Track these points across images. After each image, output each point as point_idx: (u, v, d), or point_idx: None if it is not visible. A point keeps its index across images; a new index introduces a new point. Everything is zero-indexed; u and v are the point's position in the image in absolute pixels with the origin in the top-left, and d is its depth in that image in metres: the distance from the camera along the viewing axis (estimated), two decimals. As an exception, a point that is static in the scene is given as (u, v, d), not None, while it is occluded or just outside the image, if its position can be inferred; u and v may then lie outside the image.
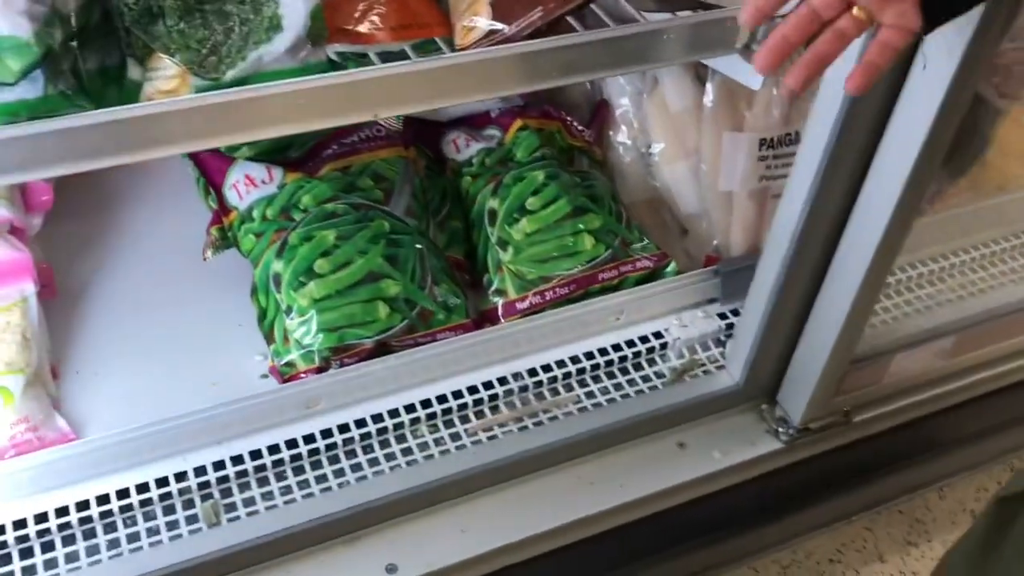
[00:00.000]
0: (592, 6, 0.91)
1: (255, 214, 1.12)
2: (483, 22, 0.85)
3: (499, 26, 0.85)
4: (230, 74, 0.76)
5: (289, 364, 1.08)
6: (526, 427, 1.10)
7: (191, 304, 1.17)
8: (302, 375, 1.07)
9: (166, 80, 0.76)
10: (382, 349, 1.10)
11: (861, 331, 1.02)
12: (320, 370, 1.06)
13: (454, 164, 1.25)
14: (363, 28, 0.86)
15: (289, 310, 1.08)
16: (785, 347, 1.09)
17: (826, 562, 1.43)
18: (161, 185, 1.31)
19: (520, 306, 1.15)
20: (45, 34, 0.69)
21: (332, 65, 0.82)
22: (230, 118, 0.77)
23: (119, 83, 0.77)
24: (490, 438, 1.09)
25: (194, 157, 1.18)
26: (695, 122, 1.18)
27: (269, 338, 1.10)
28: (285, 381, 1.08)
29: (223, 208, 1.14)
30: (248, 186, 1.13)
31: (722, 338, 1.22)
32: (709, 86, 1.15)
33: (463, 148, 1.25)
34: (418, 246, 1.12)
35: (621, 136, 1.27)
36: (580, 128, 1.27)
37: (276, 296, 1.08)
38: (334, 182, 1.13)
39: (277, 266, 1.08)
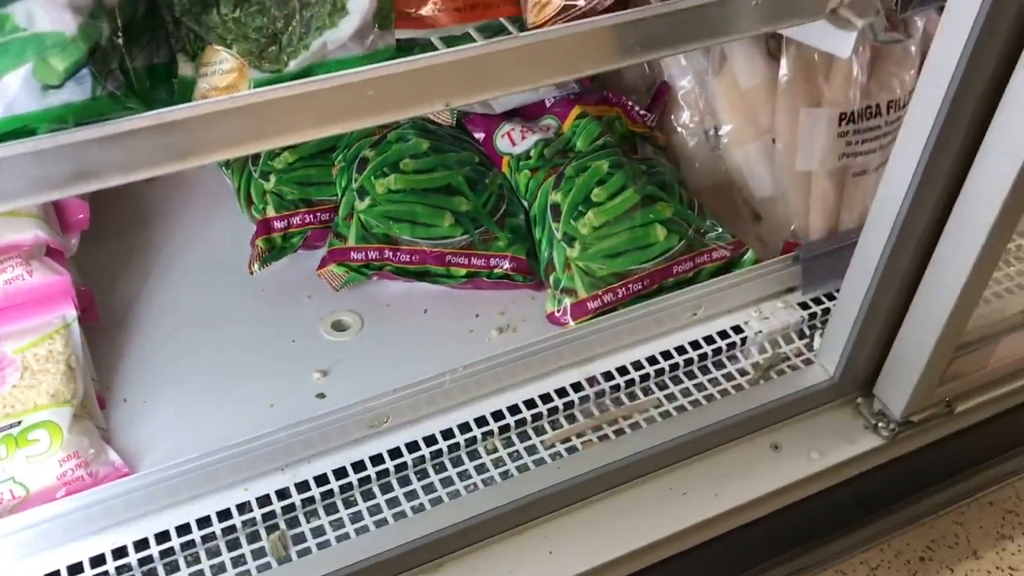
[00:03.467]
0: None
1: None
2: (559, -3, 0.77)
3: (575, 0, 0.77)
4: (292, 64, 0.69)
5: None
6: (607, 436, 1.03)
7: (240, 321, 1.09)
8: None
9: (222, 75, 0.68)
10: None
11: (974, 309, 0.94)
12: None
13: (510, 159, 1.17)
14: (426, 11, 0.78)
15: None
16: (885, 336, 1.01)
17: (916, 560, 1.35)
18: (198, 197, 1.24)
19: (591, 305, 1.08)
20: (91, 28, 0.62)
21: (400, 51, 0.74)
22: (294, 114, 0.70)
23: (169, 82, 0.69)
24: (569, 450, 1.01)
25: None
26: (768, 99, 1.10)
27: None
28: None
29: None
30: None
31: (805, 329, 1.14)
32: (784, 60, 1.07)
33: (519, 141, 1.17)
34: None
35: (684, 119, 1.19)
36: (641, 112, 1.19)
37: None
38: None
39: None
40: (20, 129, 0.62)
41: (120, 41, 0.65)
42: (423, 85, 0.74)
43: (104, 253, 1.15)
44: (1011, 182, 0.81)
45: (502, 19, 0.80)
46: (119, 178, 0.67)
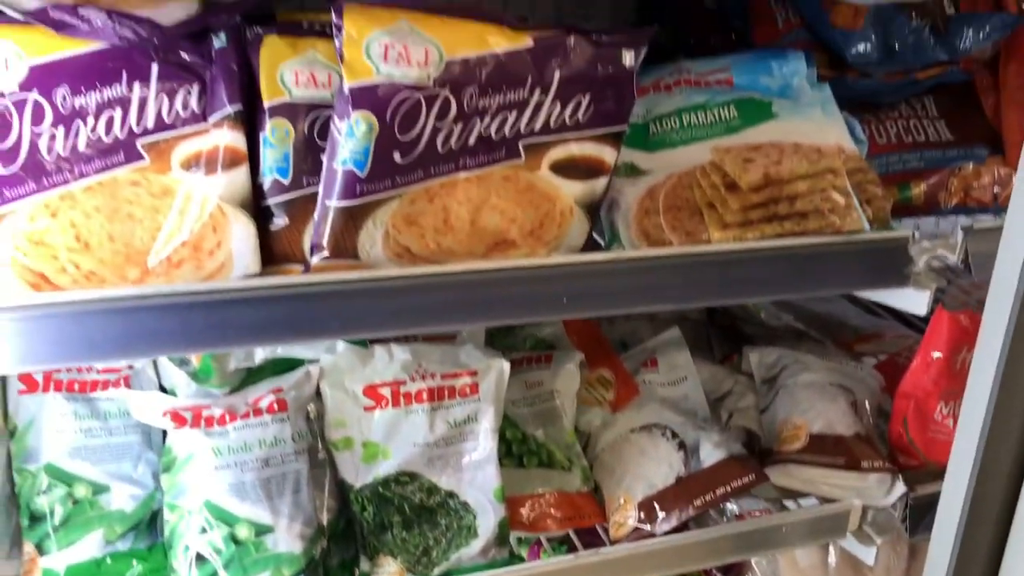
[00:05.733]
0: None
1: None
2: (632, 521, 1.06)
3: (646, 526, 1.05)
4: (436, 571, 0.99)
5: None
6: None
7: None
8: None
9: (387, 574, 0.99)
10: None
11: None
12: None
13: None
14: (536, 519, 1.08)
15: None
16: None
17: None
18: None
19: None
20: (311, 547, 0.94)
21: (512, 557, 1.04)
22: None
23: (352, 571, 1.00)
24: None
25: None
26: (823, 577, 1.33)
27: None
28: None
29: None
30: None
31: None
32: (831, 549, 1.30)
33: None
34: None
35: (755, 579, 1.42)
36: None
37: None
38: None
39: None
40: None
41: (325, 546, 0.98)
42: (528, 584, 1.03)
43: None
44: None
45: (595, 525, 1.10)
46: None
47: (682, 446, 1.11)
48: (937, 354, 1.06)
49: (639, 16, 1.40)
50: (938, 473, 1.14)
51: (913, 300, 1.01)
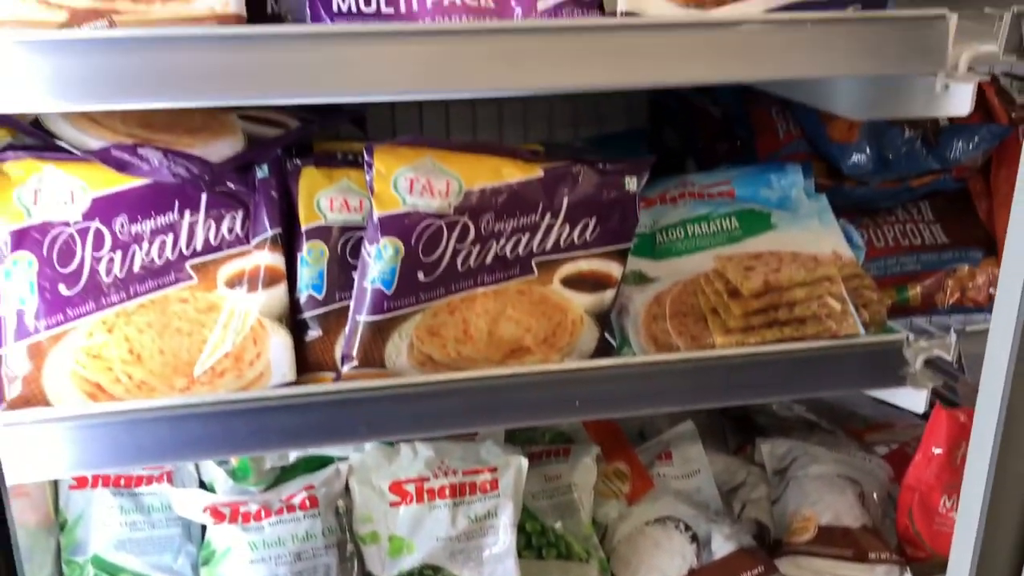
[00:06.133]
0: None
1: None
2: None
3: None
4: (458, 662, 1.04)
5: None
6: None
7: None
8: None
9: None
10: None
11: None
12: None
13: None
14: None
15: None
16: None
17: None
18: None
19: None
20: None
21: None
22: None
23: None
24: None
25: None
26: None
27: None
28: None
29: None
30: None
31: None
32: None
33: None
34: None
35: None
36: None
37: None
38: None
39: None
40: None
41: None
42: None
43: None
44: None
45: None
46: None
47: (695, 538, 1.15)
48: (938, 450, 1.11)
49: (652, 124, 1.49)
50: (945, 565, 1.18)
51: (911, 398, 1.06)
